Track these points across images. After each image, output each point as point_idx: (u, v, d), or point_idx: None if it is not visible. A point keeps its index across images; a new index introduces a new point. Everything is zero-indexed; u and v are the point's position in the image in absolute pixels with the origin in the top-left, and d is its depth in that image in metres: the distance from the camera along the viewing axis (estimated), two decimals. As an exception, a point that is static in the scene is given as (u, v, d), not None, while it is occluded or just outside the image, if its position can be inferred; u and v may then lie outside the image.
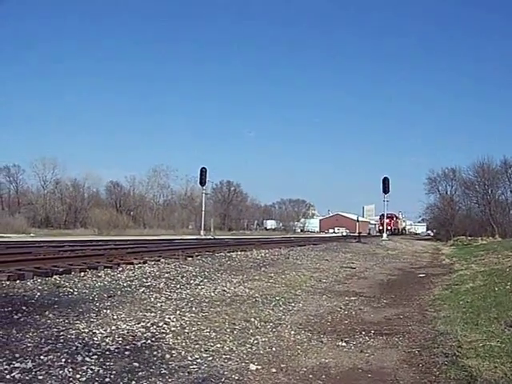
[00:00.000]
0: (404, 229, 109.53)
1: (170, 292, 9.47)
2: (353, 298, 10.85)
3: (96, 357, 5.17)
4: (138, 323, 6.79)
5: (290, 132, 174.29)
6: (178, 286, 10.19)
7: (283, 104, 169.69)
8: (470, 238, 52.37)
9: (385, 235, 52.14)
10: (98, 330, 6.27)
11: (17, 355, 4.98)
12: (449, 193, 74.49)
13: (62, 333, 5.94)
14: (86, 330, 6.18)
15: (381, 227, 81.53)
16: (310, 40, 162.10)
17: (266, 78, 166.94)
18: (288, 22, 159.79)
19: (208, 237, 42.26)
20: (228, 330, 6.94)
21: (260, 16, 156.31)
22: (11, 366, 4.69)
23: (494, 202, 65.03)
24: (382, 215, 79.21)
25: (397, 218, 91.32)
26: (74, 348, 5.40)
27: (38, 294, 8.13)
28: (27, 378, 4.47)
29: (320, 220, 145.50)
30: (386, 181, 53.19)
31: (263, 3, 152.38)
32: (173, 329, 6.70)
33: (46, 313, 6.86)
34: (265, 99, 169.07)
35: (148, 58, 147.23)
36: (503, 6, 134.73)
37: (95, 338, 5.88)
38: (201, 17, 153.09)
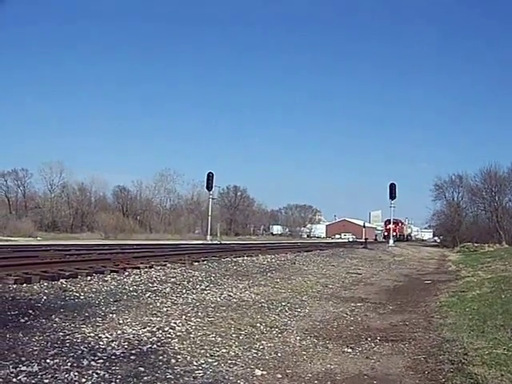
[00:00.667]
0: (409, 235, 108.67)
1: (176, 297, 9.49)
2: (359, 304, 10.83)
3: (102, 361, 5.19)
4: (144, 328, 6.80)
5: (297, 137, 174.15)
6: (184, 291, 10.20)
7: (290, 109, 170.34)
8: (476, 244, 52.10)
9: (391, 241, 51.94)
10: (104, 334, 6.29)
11: (23, 359, 5.01)
12: (455, 199, 74.20)
13: (67, 337, 5.96)
14: (92, 334, 6.20)
15: (386, 233, 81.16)
16: (315, 45, 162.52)
17: (273, 82, 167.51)
18: (293, 27, 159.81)
19: (214, 242, 42.25)
20: (234, 335, 6.94)
21: (264, 20, 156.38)
22: (17, 369, 4.71)
23: (501, 209, 64.68)
24: (387, 221, 78.84)
25: (402, 223, 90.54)
26: (80, 352, 5.41)
27: (45, 297, 8.16)
28: (33, 381, 4.49)
29: (326, 226, 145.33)
30: (392, 187, 53.11)
31: (268, 7, 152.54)
32: (178, 334, 6.71)
33: (53, 317, 6.89)
34: (272, 104, 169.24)
35: (156, 62, 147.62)
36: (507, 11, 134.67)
37: (101, 343, 5.89)
38: (204, 20, 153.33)
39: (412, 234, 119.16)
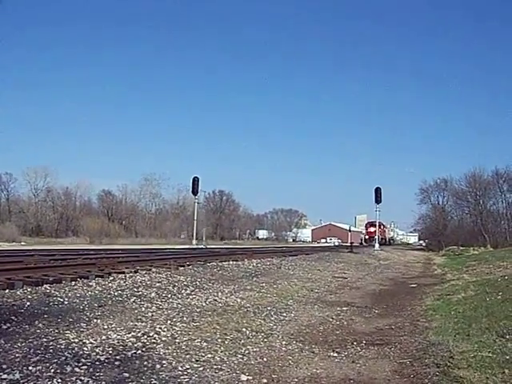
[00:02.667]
0: (392, 238, 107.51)
1: (161, 302, 9.43)
2: (344, 308, 10.83)
3: (86, 367, 5.12)
4: (129, 333, 6.74)
5: (282, 141, 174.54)
6: (170, 296, 10.14)
7: (276, 113, 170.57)
8: (461, 248, 52.54)
9: (377, 245, 52.12)
10: (88, 339, 6.22)
11: (4, 366, 4.92)
12: (441, 203, 74.75)
13: (51, 343, 5.89)
14: (76, 340, 6.13)
15: (367, 236, 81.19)
16: (302, 48, 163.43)
17: (261, 87, 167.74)
18: (288, 32, 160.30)
19: (200, 246, 42.09)
20: (219, 340, 6.90)
21: (257, 24, 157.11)
22: (-2, 377, 4.64)
23: (486, 213, 65.26)
24: (368, 223, 78.84)
25: (384, 226, 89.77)
26: (64, 358, 5.34)
27: (28, 303, 8.05)
28: (15, 389, 4.42)
29: (312, 230, 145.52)
30: (378, 191, 53.36)
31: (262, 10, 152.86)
32: (163, 339, 6.66)
33: (36, 322, 6.80)
34: (259, 108, 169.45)
35: (140, 66, 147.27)
36: (498, 14, 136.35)
37: (85, 348, 5.82)
38: (193, 26, 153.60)
39: (397, 238, 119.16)
